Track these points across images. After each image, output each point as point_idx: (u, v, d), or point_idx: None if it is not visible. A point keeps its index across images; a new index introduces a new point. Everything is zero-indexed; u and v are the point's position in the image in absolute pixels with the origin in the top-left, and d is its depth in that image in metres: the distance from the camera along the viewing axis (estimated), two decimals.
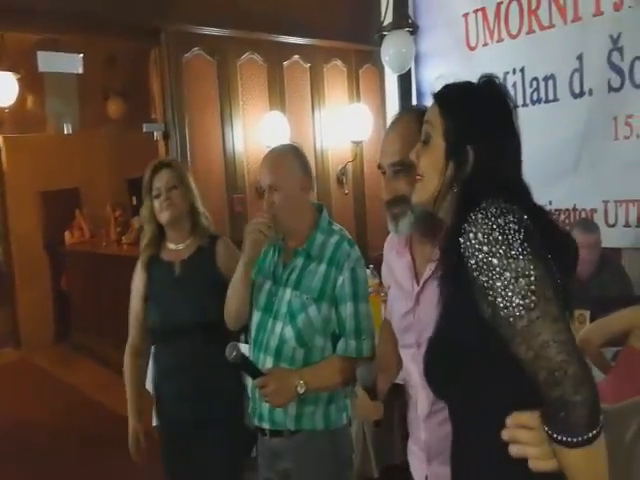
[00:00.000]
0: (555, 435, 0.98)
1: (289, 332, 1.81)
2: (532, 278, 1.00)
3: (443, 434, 1.37)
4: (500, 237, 1.02)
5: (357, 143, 4.75)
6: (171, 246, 2.19)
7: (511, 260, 1.01)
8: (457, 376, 1.15)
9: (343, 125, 4.65)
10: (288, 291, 1.84)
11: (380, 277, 3.63)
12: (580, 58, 3.59)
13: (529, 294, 1.00)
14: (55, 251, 7.14)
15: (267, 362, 1.84)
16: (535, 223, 1.07)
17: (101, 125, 5.68)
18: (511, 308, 1.00)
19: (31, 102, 5.09)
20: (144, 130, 4.08)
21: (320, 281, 1.82)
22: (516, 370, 1.03)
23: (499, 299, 1.01)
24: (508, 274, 1.00)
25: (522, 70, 3.90)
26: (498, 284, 1.01)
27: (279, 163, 1.88)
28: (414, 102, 4.53)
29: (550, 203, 3.81)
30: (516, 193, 1.15)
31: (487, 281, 1.02)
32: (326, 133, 4.64)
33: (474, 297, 1.06)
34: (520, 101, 3.92)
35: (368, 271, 3.61)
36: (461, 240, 1.05)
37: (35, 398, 5.19)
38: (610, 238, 3.38)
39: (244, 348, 1.79)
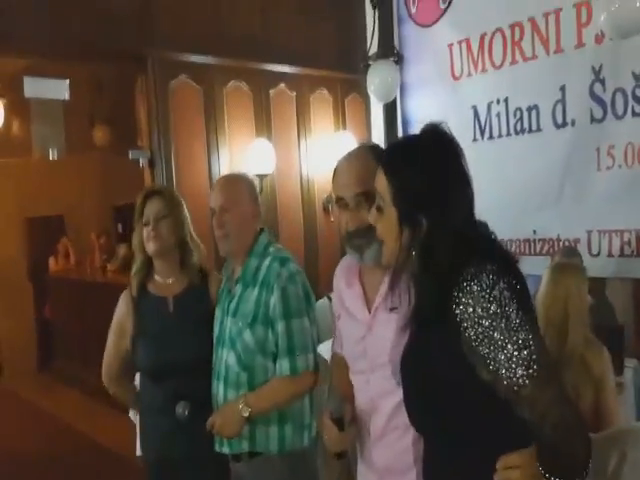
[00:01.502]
0: (551, 477, 1.08)
1: (231, 358, 1.91)
2: (533, 348, 1.07)
3: (394, 454, 1.49)
4: (499, 310, 1.08)
5: None
6: (159, 280, 2.10)
7: (512, 333, 1.07)
8: (435, 409, 1.21)
9: (329, 153, 4.66)
10: (229, 319, 1.94)
11: None
12: (563, 89, 3.63)
13: (532, 364, 1.06)
14: (39, 278, 7.08)
15: (220, 389, 1.93)
16: (512, 272, 1.15)
17: (87, 151, 5.69)
18: (515, 379, 1.07)
19: (17, 127, 5.10)
20: (130, 157, 4.05)
21: (253, 305, 1.90)
22: (492, 408, 1.13)
23: (502, 370, 1.08)
24: (510, 347, 1.08)
25: (506, 100, 3.94)
26: (501, 357, 1.08)
27: (231, 187, 2.02)
28: (399, 131, 4.56)
29: (534, 232, 3.83)
30: (481, 242, 1.20)
31: (489, 353, 1.09)
32: (312, 161, 4.64)
33: (458, 346, 1.12)
34: (504, 131, 3.97)
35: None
36: (457, 310, 1.11)
37: (17, 428, 5.12)
38: (594, 268, 3.35)
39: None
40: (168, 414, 1.97)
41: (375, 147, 1.59)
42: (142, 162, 4.05)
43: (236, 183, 2.04)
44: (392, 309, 1.45)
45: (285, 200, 4.45)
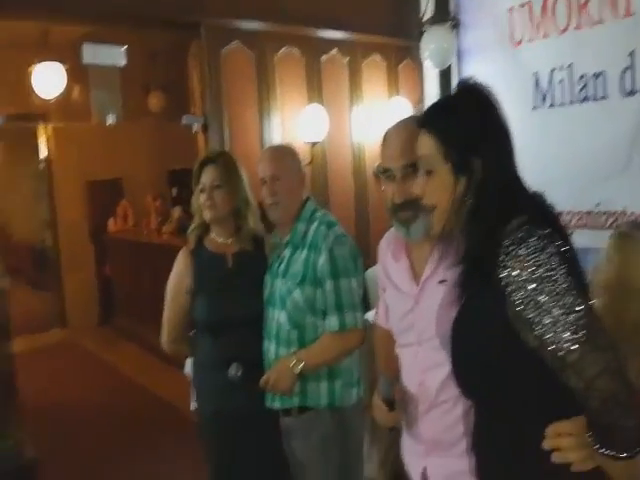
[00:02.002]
0: (602, 450, 1.05)
1: (282, 316, 2.00)
2: (580, 312, 1.04)
3: (442, 427, 1.48)
4: (545, 274, 1.06)
5: None
6: (217, 239, 2.18)
7: (559, 296, 1.05)
8: (485, 376, 1.20)
9: (381, 120, 4.59)
10: (278, 280, 2.04)
11: None
12: (632, 55, 3.41)
13: (579, 329, 1.03)
14: (99, 239, 7.35)
15: (271, 347, 2.03)
16: (563, 239, 1.12)
17: (142, 117, 5.79)
18: (561, 343, 1.05)
19: (76, 93, 5.23)
20: (183, 122, 4.11)
21: (302, 266, 1.98)
22: (544, 373, 1.09)
23: (548, 335, 1.05)
24: (556, 311, 1.05)
25: (570, 67, 3.74)
26: (547, 321, 1.05)
27: (280, 156, 2.10)
28: None
29: (598, 205, 3.69)
30: (532, 199, 1.20)
31: (534, 317, 1.07)
32: (364, 128, 4.58)
33: (504, 311, 1.10)
34: (567, 99, 3.78)
35: None
36: (502, 274, 1.09)
37: (80, 377, 5.39)
38: None
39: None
40: (223, 370, 2.04)
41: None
42: (195, 128, 4.10)
43: (284, 153, 2.13)
44: (441, 281, 1.45)
45: (336, 168, 4.42)
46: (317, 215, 2.06)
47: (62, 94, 4.52)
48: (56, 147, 7.06)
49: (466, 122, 1.22)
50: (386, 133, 1.56)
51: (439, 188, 1.24)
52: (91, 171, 7.16)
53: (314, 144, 4.20)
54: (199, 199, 2.13)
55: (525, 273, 1.06)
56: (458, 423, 1.45)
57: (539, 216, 1.14)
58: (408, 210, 1.45)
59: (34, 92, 4.37)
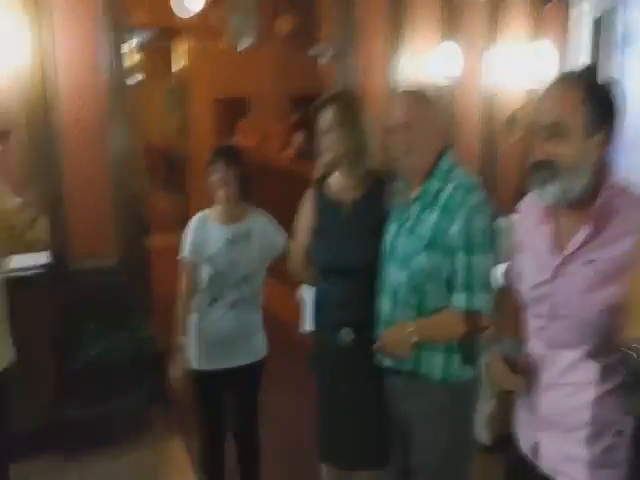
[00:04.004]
0: None
1: (403, 277, 1.86)
2: None
3: (564, 409, 1.42)
4: None
5: (533, 88, 4.39)
6: (337, 181, 2.14)
7: None
8: None
9: (520, 65, 4.30)
10: (403, 237, 1.89)
11: None
12: None
13: None
14: None
15: (387, 305, 1.92)
16: None
17: (270, 41, 5.77)
18: None
19: (212, 14, 5.31)
20: (312, 53, 4.09)
21: (430, 229, 1.82)
22: None
23: None
24: None
25: None
26: None
27: (415, 101, 1.87)
28: (612, 49, 4.02)
29: None
30: None
31: None
32: (499, 72, 4.33)
33: None
34: None
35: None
36: None
37: None
38: None
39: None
40: (335, 311, 2.07)
41: (584, 78, 1.43)
42: (323, 57, 4.07)
43: (420, 98, 1.88)
44: (590, 261, 1.36)
45: (463, 113, 4.25)
46: (455, 174, 1.86)
47: (199, 14, 4.61)
48: (190, 64, 7.35)
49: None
50: (547, 88, 1.47)
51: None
52: (220, 89, 7.40)
53: (442, 85, 4.04)
54: (321, 141, 2.07)
55: None
56: (584, 410, 1.40)
57: None
58: (546, 170, 1.38)
59: (173, 10, 4.50)
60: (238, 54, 6.32)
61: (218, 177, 2.38)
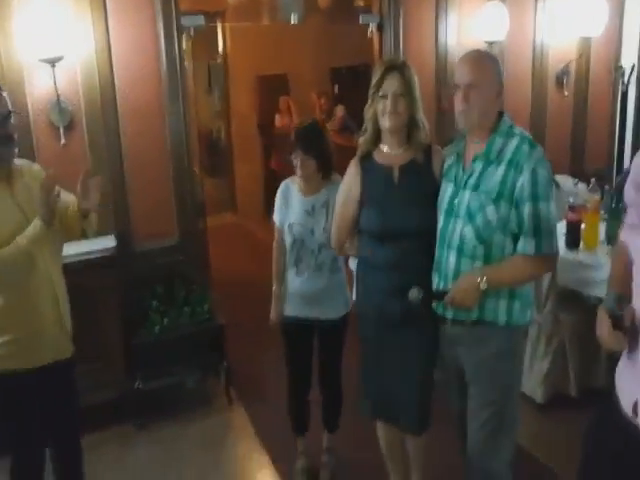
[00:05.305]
0: None
1: (469, 230, 1.96)
2: None
3: None
4: None
5: (586, 39, 4.24)
6: (386, 149, 2.19)
7: None
8: None
9: (570, 17, 4.15)
10: (467, 193, 1.98)
11: (602, 193, 3.35)
12: None
13: None
14: (266, 132, 7.65)
15: (451, 257, 2.01)
16: None
17: (311, 14, 5.71)
18: None
19: None
20: (360, 22, 4.02)
21: (498, 182, 1.92)
22: None
23: None
24: None
25: None
26: None
27: (482, 63, 1.99)
28: None
29: None
30: None
31: None
32: (549, 26, 4.18)
33: None
34: None
35: (588, 186, 3.38)
36: None
37: (248, 255, 5.99)
38: None
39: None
40: (389, 273, 2.13)
41: None
42: (371, 27, 4.00)
43: (485, 60, 2.02)
44: None
45: (513, 71, 4.13)
46: (516, 131, 1.98)
47: None
48: (231, 44, 7.36)
49: None
50: None
51: None
52: (260, 66, 7.38)
53: (491, 44, 3.94)
54: (378, 106, 2.11)
55: None
56: None
57: None
58: None
59: None
60: (277, 29, 6.31)
61: (297, 158, 2.46)
